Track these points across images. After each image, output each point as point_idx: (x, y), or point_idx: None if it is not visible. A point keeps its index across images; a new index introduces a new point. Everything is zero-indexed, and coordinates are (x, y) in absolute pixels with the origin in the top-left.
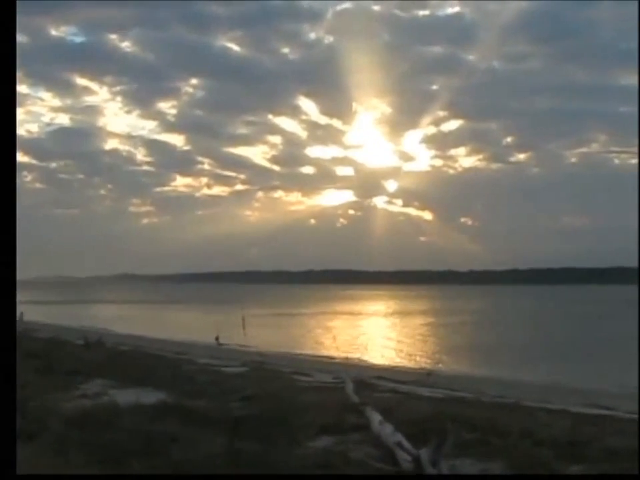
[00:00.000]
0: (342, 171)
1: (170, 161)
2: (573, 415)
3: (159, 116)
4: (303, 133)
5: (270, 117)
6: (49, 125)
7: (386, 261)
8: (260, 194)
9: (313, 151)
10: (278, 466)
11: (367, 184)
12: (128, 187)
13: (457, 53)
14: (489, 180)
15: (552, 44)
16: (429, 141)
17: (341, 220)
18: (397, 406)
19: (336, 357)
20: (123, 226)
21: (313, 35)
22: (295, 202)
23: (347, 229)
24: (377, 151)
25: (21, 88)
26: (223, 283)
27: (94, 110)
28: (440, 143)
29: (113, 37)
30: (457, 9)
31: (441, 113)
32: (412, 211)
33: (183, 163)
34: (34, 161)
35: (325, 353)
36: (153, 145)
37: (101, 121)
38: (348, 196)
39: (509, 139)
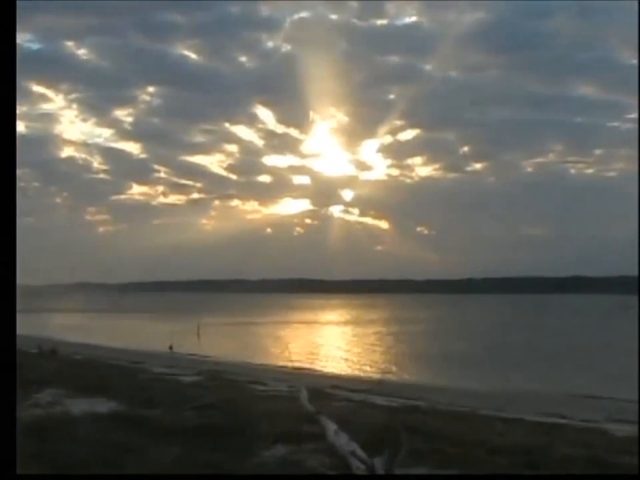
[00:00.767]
0: (298, 179)
1: (126, 169)
2: (527, 423)
3: (116, 124)
4: (259, 142)
5: (227, 125)
6: None
7: (342, 270)
8: (216, 203)
9: (270, 160)
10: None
11: (324, 193)
12: (84, 195)
13: (415, 63)
14: (445, 189)
15: (509, 54)
16: (386, 150)
17: (298, 229)
18: (351, 415)
19: (291, 365)
20: (78, 234)
21: (270, 44)
22: (252, 211)
23: (304, 238)
24: (333, 160)
25: None
26: (179, 292)
27: (50, 117)
28: (396, 152)
29: (70, 44)
30: (414, 18)
31: (398, 123)
32: (368, 220)
33: (139, 171)
34: None
35: (280, 362)
36: (109, 153)
37: (57, 129)
38: (304, 205)
39: (465, 149)
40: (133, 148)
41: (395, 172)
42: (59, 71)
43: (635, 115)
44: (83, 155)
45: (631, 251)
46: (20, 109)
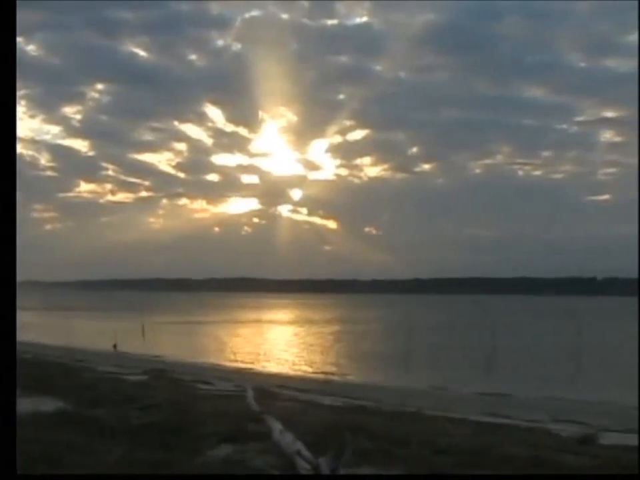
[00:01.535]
0: (247, 179)
1: (74, 167)
2: (472, 423)
3: (64, 121)
4: (208, 140)
5: (176, 123)
6: None
7: (290, 270)
8: (164, 201)
9: (219, 159)
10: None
11: (272, 192)
12: (31, 192)
13: (365, 63)
14: (393, 190)
15: (459, 56)
16: (335, 150)
17: (246, 228)
18: (297, 414)
19: (238, 365)
20: (25, 232)
21: (220, 42)
22: (200, 209)
23: (252, 237)
24: (282, 159)
25: None
26: (126, 291)
27: None
28: (345, 152)
29: (18, 40)
30: (365, 19)
31: (347, 123)
32: (317, 220)
33: (87, 169)
34: None
35: (227, 361)
36: (57, 150)
37: None
38: (253, 204)
39: (414, 149)
40: (81, 145)
41: (344, 172)
42: None
43: (582, 118)
44: (31, 152)
45: (576, 252)
46: None
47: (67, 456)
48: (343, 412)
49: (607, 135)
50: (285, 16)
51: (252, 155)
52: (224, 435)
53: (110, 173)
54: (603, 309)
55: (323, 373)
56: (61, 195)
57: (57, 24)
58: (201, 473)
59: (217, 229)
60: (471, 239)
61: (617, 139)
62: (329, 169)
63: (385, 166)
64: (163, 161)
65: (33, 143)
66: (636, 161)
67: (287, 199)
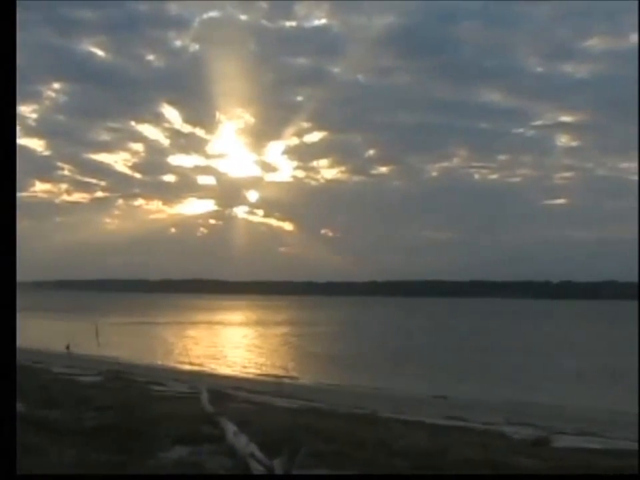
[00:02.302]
0: (203, 180)
1: (29, 166)
2: (427, 426)
3: (20, 120)
4: (165, 141)
5: (132, 123)
6: None
7: (246, 271)
8: (120, 202)
9: (175, 159)
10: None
11: (229, 194)
12: None
13: (323, 65)
14: (350, 192)
15: (417, 59)
16: (292, 152)
17: (202, 229)
18: (252, 416)
19: (192, 366)
20: None
21: (178, 43)
22: (156, 210)
23: (208, 239)
24: (239, 160)
25: None
26: (81, 291)
27: None
28: (302, 154)
29: None
30: (324, 21)
31: (305, 125)
32: (273, 222)
33: (42, 169)
34: None
35: (182, 362)
36: None
37: None
38: (209, 205)
39: (371, 152)
40: (36, 145)
41: (301, 174)
42: None
43: (539, 122)
44: None
45: (532, 255)
46: None
47: (21, 458)
48: (298, 414)
49: (564, 140)
50: (243, 17)
51: (209, 156)
52: (178, 436)
53: (66, 172)
54: (556, 312)
55: (277, 374)
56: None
57: None
58: (155, 473)
59: (172, 229)
60: (427, 241)
61: (574, 143)
62: (286, 170)
63: (342, 168)
64: (119, 161)
65: None
66: (592, 165)
67: (243, 201)
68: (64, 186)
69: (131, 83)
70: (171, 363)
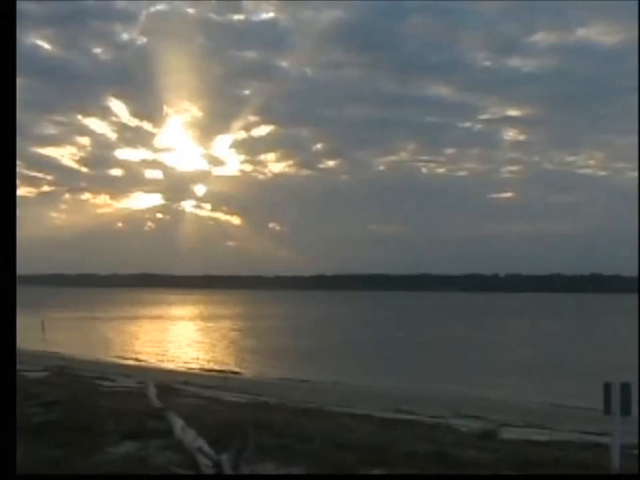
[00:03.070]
0: (151, 174)
1: None
2: (375, 419)
3: None
4: (112, 135)
5: (79, 117)
6: None
7: (193, 265)
8: (67, 196)
9: (122, 153)
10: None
11: (176, 187)
12: None
13: (271, 59)
14: (298, 186)
15: (364, 54)
16: (239, 145)
17: (149, 223)
18: (200, 411)
19: (140, 361)
20: None
21: (125, 36)
22: (103, 204)
23: (155, 233)
24: (186, 154)
25: None
26: (27, 286)
27: None
28: (250, 148)
29: None
30: (271, 15)
31: (252, 118)
32: (220, 216)
33: None
34: None
35: (129, 357)
36: None
37: None
38: (156, 199)
39: (319, 146)
40: None
41: (248, 168)
42: None
43: (486, 116)
44: None
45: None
46: None
47: None
48: (246, 408)
49: (510, 134)
50: (191, 10)
51: (156, 150)
52: (125, 431)
53: None
54: (504, 305)
55: (225, 369)
56: None
57: None
58: (104, 469)
59: (120, 224)
60: (374, 235)
61: (520, 137)
62: (234, 164)
63: (290, 162)
64: (65, 155)
65: None
66: (538, 158)
67: (190, 195)
68: None
69: (77, 77)
70: (119, 358)
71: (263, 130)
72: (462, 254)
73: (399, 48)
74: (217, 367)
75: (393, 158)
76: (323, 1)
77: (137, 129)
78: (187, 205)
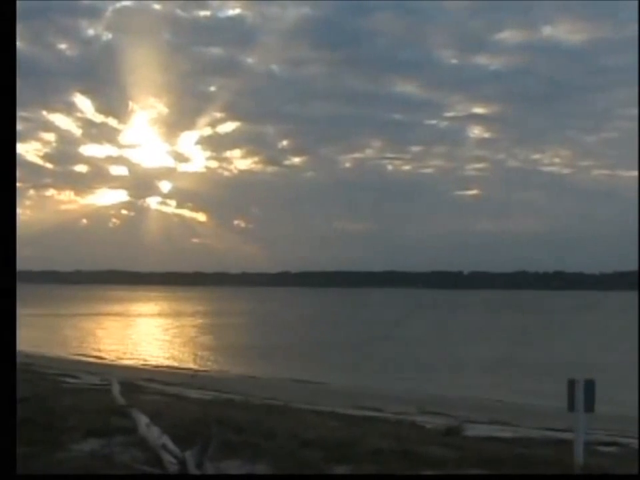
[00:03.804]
0: (116, 170)
1: None
2: (340, 416)
3: None
4: (77, 131)
5: (44, 113)
6: None
7: (159, 262)
8: (31, 192)
9: (87, 149)
10: (40, 470)
11: (141, 184)
12: None
13: (237, 55)
14: (264, 182)
15: (331, 50)
16: (205, 142)
17: (114, 220)
18: (164, 408)
19: (104, 358)
20: None
21: (91, 32)
22: (68, 201)
23: (120, 229)
24: (152, 151)
25: None
26: None
27: None
28: (216, 144)
29: None
30: (238, 11)
31: (218, 115)
32: (186, 212)
33: None
34: None
35: (94, 354)
36: None
37: None
38: (121, 196)
39: (284, 143)
40: None
41: (214, 164)
42: None
43: (452, 114)
44: None
45: (444, 246)
46: None
47: None
48: (211, 405)
49: (476, 131)
50: (157, 6)
51: (121, 146)
52: (89, 429)
53: None
54: (468, 302)
55: (191, 365)
56: None
57: None
58: (67, 467)
59: (84, 220)
60: (340, 232)
61: (486, 135)
62: (199, 161)
63: (255, 159)
64: (30, 151)
65: None
66: (504, 156)
67: (156, 191)
68: None
69: (42, 72)
70: (83, 355)
71: (228, 126)
72: (427, 251)
73: (365, 45)
74: (181, 364)
75: (358, 155)
76: None
77: (102, 125)
78: (152, 202)
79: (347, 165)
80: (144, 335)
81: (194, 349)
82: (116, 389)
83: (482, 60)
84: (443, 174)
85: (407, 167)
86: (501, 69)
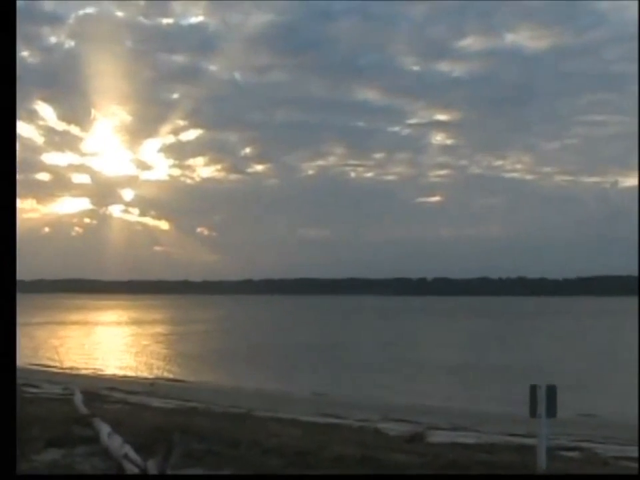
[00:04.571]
0: (78, 178)
1: None
2: (303, 424)
3: None
4: (39, 139)
5: None
6: None
7: (121, 271)
8: None
9: (49, 158)
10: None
11: (104, 192)
12: None
13: (199, 63)
14: (226, 190)
15: (293, 57)
16: (168, 150)
17: (76, 228)
18: (126, 417)
19: (66, 367)
20: None
21: (53, 39)
22: (29, 209)
23: (83, 238)
24: (114, 158)
25: None
26: None
27: None
28: (178, 152)
29: None
30: (200, 18)
31: (181, 122)
32: (148, 220)
33: None
34: None
35: (55, 364)
36: None
37: None
38: (84, 204)
39: (247, 150)
40: None
41: (177, 172)
42: None
43: (414, 120)
44: None
45: (407, 253)
46: None
47: None
48: (173, 414)
49: (438, 138)
50: (119, 13)
51: (83, 154)
52: (50, 439)
53: None
54: (430, 309)
55: (152, 374)
56: None
57: None
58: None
59: (46, 229)
60: (303, 240)
61: (448, 141)
62: (162, 169)
63: (218, 166)
64: None
65: None
66: (466, 162)
67: (118, 199)
68: None
69: None
70: (44, 365)
71: (191, 134)
72: (390, 258)
73: (328, 51)
74: (143, 373)
75: (321, 162)
76: (252, 4)
77: (65, 133)
78: (115, 210)
79: (310, 172)
80: (105, 344)
81: (155, 357)
82: (78, 398)
83: (444, 66)
84: (405, 180)
85: (369, 174)
86: (463, 76)
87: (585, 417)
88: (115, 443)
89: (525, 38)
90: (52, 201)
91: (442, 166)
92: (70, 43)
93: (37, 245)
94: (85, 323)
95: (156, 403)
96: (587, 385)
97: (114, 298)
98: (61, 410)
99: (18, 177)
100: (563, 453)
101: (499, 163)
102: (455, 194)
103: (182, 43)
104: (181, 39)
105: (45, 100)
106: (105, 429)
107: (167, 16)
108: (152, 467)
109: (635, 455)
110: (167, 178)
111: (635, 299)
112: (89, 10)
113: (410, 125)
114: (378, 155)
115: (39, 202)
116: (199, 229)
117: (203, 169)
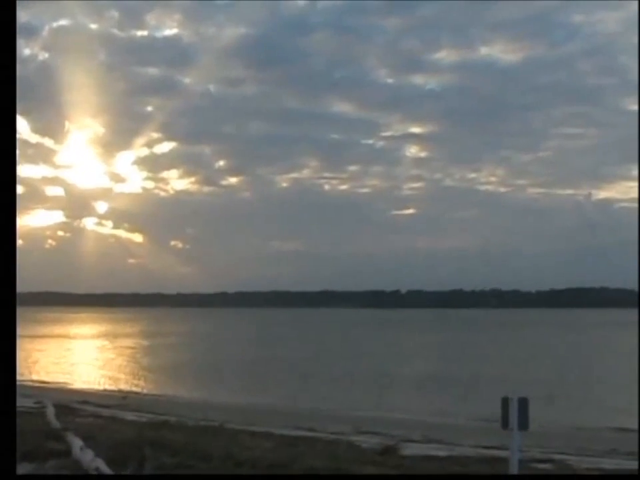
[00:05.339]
0: (52, 190)
1: None
2: (275, 436)
3: None
4: None
5: None
6: None
7: (94, 283)
8: None
9: (23, 170)
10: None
11: (77, 205)
12: None
13: (173, 75)
14: (200, 203)
15: (268, 70)
16: (142, 162)
17: (50, 241)
18: (98, 431)
19: (39, 380)
20: None
21: (27, 51)
22: None
23: (56, 251)
24: (88, 171)
25: None
26: None
27: None
28: (152, 164)
29: None
30: (175, 31)
31: (155, 135)
32: (122, 233)
33: None
34: None
35: (27, 377)
36: None
37: None
38: (57, 217)
39: (221, 163)
40: None
41: (150, 185)
42: None
43: (389, 133)
44: None
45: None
46: None
47: None
48: (146, 427)
49: (413, 150)
50: (93, 26)
51: (57, 167)
52: (23, 452)
53: None
54: (404, 321)
55: (124, 388)
56: None
57: None
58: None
59: (20, 241)
60: (276, 252)
61: (422, 154)
62: (136, 181)
63: (192, 179)
64: None
65: None
66: (440, 175)
67: (92, 212)
68: None
69: None
70: (16, 378)
71: (165, 147)
72: (364, 270)
73: (302, 64)
74: (116, 386)
75: (295, 175)
76: (227, 17)
77: (38, 146)
78: (89, 223)
79: (284, 184)
80: (78, 357)
81: (128, 370)
82: (50, 411)
83: (418, 79)
84: (379, 193)
85: (343, 187)
86: (437, 89)
87: (558, 429)
88: (87, 456)
89: (498, 51)
90: (25, 214)
91: (416, 178)
92: (44, 55)
93: None
94: (58, 336)
95: (128, 416)
96: (559, 396)
97: (88, 311)
98: (33, 424)
99: None
100: (535, 465)
101: (473, 175)
102: (429, 206)
103: (156, 56)
104: (155, 51)
105: (18, 112)
106: (77, 443)
107: (141, 28)
108: None
109: (609, 467)
110: (140, 190)
111: (607, 311)
112: (63, 22)
113: (384, 138)
114: (352, 168)
115: None
116: (172, 242)
117: (177, 182)
